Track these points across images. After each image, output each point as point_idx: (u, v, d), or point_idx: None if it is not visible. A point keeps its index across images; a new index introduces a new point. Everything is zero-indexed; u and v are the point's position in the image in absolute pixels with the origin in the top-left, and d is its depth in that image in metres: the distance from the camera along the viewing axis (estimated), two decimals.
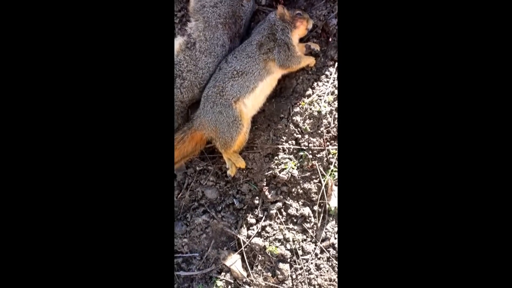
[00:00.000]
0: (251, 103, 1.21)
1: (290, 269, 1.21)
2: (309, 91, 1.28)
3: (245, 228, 1.26)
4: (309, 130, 1.23)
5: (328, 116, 1.23)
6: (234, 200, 1.28)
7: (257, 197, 1.27)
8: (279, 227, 1.24)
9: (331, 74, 1.26)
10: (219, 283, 1.23)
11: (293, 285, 1.19)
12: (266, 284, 1.21)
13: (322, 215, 1.23)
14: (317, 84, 1.29)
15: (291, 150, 1.26)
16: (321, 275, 1.19)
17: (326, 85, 1.26)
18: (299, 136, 1.24)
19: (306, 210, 1.24)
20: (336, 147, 1.21)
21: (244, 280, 1.22)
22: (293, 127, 1.25)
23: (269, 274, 1.22)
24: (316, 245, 1.22)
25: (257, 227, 1.25)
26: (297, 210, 1.24)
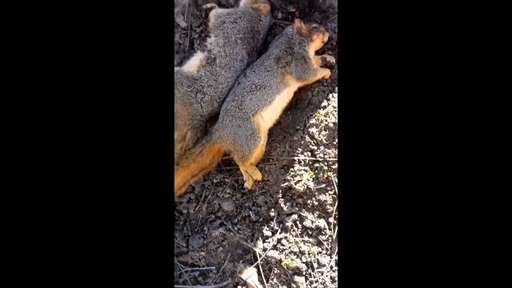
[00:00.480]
0: (269, 116, 1.24)
1: (306, 282, 1.18)
2: (325, 103, 1.29)
3: (261, 241, 1.26)
4: (324, 141, 1.24)
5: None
6: (250, 212, 1.28)
7: (272, 209, 1.27)
8: (294, 239, 1.23)
9: None
10: None
11: None
12: None
13: (337, 227, 1.21)
14: (333, 96, 1.30)
15: (307, 161, 1.26)
16: None
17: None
18: (315, 147, 1.25)
19: (322, 222, 1.22)
20: None
21: None
22: (309, 139, 1.25)
23: (285, 287, 1.20)
24: (331, 258, 1.19)
25: (272, 239, 1.24)
26: (312, 222, 1.23)
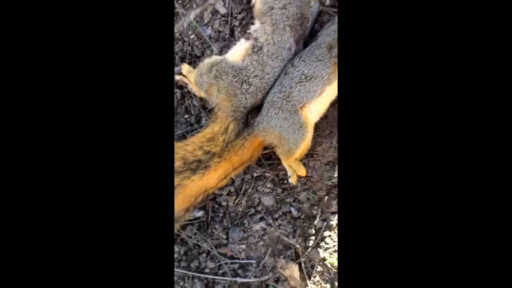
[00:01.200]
0: (317, 108, 1.17)
1: None
2: None
3: (303, 238, 1.24)
4: None
5: None
6: (291, 208, 1.26)
7: (315, 207, 1.23)
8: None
9: None
10: None
11: None
12: None
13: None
14: None
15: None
16: None
17: None
18: None
19: None
20: None
21: None
22: None
23: (328, 286, 1.19)
24: None
25: (316, 237, 1.22)
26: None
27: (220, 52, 1.30)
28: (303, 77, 1.15)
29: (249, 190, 1.29)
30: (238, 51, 1.21)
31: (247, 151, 1.24)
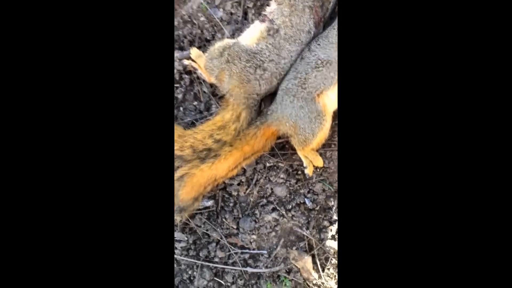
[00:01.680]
0: (335, 96, 1.11)
1: None
2: None
3: (317, 230, 1.21)
4: None
5: None
6: (305, 199, 1.22)
7: (331, 199, 1.20)
8: None
9: None
10: (288, 283, 1.20)
11: None
12: None
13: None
14: None
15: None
16: None
17: None
18: None
19: None
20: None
21: (315, 282, 1.19)
22: None
23: None
24: None
25: (331, 229, 1.19)
26: None
27: (232, 36, 1.21)
28: (319, 62, 1.07)
29: (261, 180, 1.25)
30: (252, 34, 1.13)
31: (260, 141, 1.18)
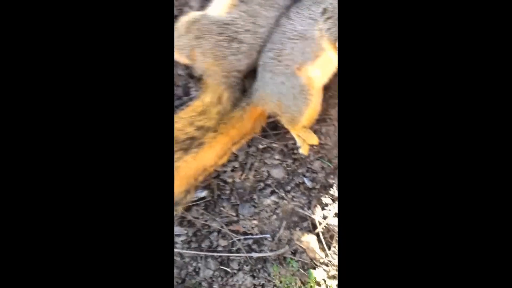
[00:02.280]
0: (321, 70, 0.96)
1: None
2: None
3: (320, 208, 1.14)
4: None
5: None
6: (304, 179, 1.14)
7: (331, 175, 1.11)
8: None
9: None
10: (294, 264, 1.17)
11: None
12: None
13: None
14: None
15: None
16: None
17: None
18: None
19: None
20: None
21: (322, 260, 1.15)
22: None
23: None
24: None
25: (333, 207, 1.12)
26: None
27: (201, 8, 1.04)
28: (295, 33, 0.91)
29: (256, 164, 1.16)
30: (221, 2, 0.96)
31: (247, 123, 1.07)
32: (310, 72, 0.95)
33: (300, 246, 1.16)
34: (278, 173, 1.15)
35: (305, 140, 1.07)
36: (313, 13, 0.91)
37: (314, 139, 1.06)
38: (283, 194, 1.16)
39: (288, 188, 1.16)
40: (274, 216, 1.18)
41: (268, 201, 1.17)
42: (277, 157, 1.14)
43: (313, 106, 0.99)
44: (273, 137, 1.13)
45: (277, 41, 0.95)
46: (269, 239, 1.20)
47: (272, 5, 0.93)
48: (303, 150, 1.08)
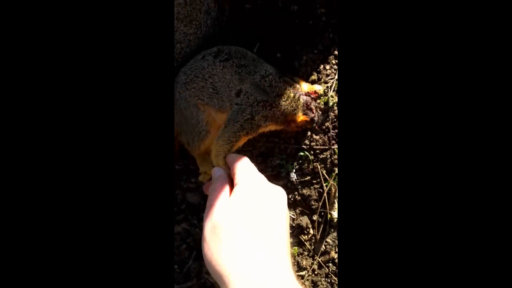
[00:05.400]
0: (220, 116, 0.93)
1: None
2: (314, 76, 1.03)
3: None
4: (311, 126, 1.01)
5: (335, 108, 1.00)
6: None
7: None
8: None
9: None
10: None
11: None
12: None
13: (322, 226, 1.04)
14: (324, 68, 1.04)
15: (290, 149, 1.04)
16: None
17: (335, 71, 1.01)
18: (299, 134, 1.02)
19: (304, 220, 1.05)
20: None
21: None
22: None
23: None
24: (313, 260, 1.05)
25: None
26: (293, 220, 1.06)
27: None
28: (210, 82, 0.90)
29: None
30: None
31: None
32: (212, 111, 0.93)
33: (208, 280, 1.07)
34: (192, 197, 1.09)
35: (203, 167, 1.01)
36: (231, 81, 0.90)
37: (207, 168, 1.01)
38: (196, 221, 1.09)
39: (202, 215, 1.09)
40: (184, 245, 1.09)
41: (178, 228, 1.09)
42: (193, 180, 1.09)
43: (210, 140, 0.94)
44: (190, 159, 1.09)
45: (193, 69, 0.92)
46: (177, 270, 1.10)
47: (190, 21, 0.93)
48: (202, 178, 1.03)
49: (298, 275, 1.05)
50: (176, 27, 0.92)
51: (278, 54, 1.08)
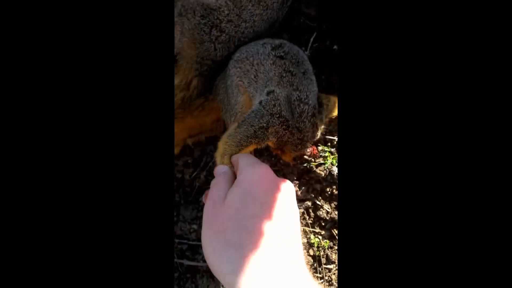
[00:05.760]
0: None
1: None
2: None
3: None
4: None
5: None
6: None
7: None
8: (304, 229, 1.06)
9: None
10: None
11: None
12: None
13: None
14: None
15: (335, 142, 1.03)
16: None
17: None
18: None
19: None
20: None
21: None
22: None
23: None
24: None
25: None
26: (328, 213, 1.05)
27: None
28: (249, 62, 0.87)
29: (211, 164, 1.09)
30: None
31: (207, 116, 1.00)
32: (251, 95, 0.88)
33: None
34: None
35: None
36: (267, 64, 0.85)
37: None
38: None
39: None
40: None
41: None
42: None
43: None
44: None
45: (246, 50, 0.89)
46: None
47: (259, 1, 0.91)
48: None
49: (325, 268, 1.05)
50: (243, 6, 0.90)
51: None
